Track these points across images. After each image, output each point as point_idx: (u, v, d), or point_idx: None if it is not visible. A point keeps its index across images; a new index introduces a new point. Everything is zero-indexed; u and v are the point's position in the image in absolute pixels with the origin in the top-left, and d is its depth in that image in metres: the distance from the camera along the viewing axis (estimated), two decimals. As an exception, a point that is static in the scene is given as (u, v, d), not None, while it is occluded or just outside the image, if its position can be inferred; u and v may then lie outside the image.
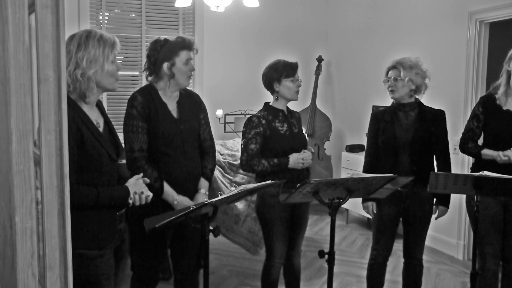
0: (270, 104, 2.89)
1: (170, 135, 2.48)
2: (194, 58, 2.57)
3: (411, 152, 2.85)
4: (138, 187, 1.99)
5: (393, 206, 2.88)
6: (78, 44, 1.87)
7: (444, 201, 2.93)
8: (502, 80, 2.83)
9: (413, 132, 2.85)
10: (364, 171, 2.98)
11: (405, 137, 2.85)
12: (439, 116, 2.93)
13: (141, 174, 2.07)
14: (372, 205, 2.92)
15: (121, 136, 2.20)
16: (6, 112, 1.04)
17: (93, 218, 1.91)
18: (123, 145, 2.31)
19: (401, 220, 2.98)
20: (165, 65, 2.46)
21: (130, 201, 1.97)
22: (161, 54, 2.46)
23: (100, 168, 1.92)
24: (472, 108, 3.05)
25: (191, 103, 2.62)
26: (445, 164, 2.94)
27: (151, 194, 2.04)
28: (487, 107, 2.86)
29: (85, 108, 1.94)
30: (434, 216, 2.95)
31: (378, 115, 2.99)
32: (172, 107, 2.53)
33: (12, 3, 1.00)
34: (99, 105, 2.05)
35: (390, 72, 2.89)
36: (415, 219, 2.90)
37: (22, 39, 1.02)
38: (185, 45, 2.48)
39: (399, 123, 2.89)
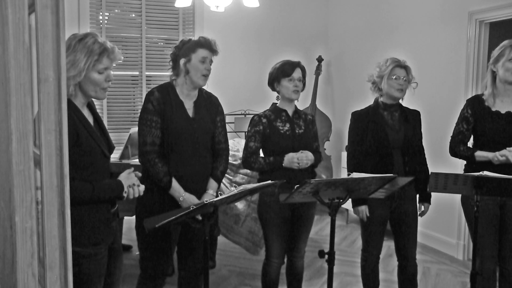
0: (276, 104, 2.91)
1: (182, 132, 2.50)
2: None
3: (403, 153, 2.85)
4: (130, 180, 2.01)
5: (384, 207, 2.87)
6: (69, 45, 1.89)
7: (427, 198, 2.96)
8: (487, 81, 2.83)
9: (404, 133, 2.87)
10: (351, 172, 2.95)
11: (398, 138, 2.85)
12: (417, 116, 2.99)
13: (132, 168, 2.09)
14: (366, 208, 2.86)
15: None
16: (6, 112, 1.04)
17: (87, 215, 1.92)
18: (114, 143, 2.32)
19: (389, 222, 2.97)
20: (182, 61, 2.52)
21: (125, 195, 1.99)
22: (181, 51, 2.53)
23: (93, 165, 1.94)
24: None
25: (209, 105, 2.65)
26: (422, 164, 2.95)
27: (143, 186, 2.06)
28: (475, 109, 2.83)
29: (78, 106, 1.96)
30: (419, 213, 2.96)
31: (362, 115, 2.94)
32: (189, 106, 2.57)
33: (12, 3, 1.00)
34: (90, 103, 2.06)
35: (398, 71, 2.85)
36: (406, 219, 2.91)
37: (22, 39, 1.02)
38: (204, 43, 2.54)
39: (386, 123, 2.88)
